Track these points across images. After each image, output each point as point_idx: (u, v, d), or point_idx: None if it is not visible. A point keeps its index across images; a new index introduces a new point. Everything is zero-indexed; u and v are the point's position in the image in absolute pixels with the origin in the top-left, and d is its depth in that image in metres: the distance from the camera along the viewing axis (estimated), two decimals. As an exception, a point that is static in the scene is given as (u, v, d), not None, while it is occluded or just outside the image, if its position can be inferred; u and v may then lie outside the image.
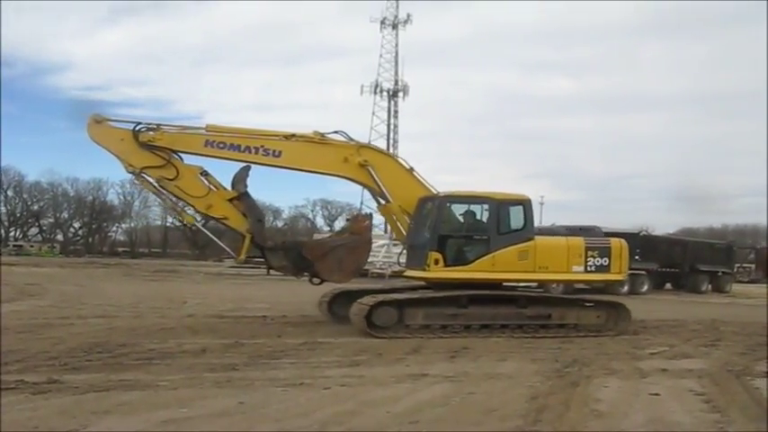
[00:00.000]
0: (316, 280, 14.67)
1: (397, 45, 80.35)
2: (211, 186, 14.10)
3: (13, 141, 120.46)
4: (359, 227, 15.23)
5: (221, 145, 14.07)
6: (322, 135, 14.61)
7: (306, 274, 14.64)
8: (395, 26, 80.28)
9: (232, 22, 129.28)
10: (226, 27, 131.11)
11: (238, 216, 14.06)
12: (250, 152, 14.17)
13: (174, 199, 14.14)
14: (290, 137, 14.45)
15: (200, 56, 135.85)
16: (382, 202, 15.12)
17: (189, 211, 14.64)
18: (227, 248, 14.94)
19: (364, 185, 15.56)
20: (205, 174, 14.13)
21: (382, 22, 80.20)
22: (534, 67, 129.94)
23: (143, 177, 13.87)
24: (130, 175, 14.00)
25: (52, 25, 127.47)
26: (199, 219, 14.58)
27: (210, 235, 15.62)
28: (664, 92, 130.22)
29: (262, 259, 14.60)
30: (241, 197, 14.06)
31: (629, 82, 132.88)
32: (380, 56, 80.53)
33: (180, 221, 14.00)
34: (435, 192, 14.80)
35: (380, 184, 14.71)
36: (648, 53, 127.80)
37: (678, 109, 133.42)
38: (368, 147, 15.70)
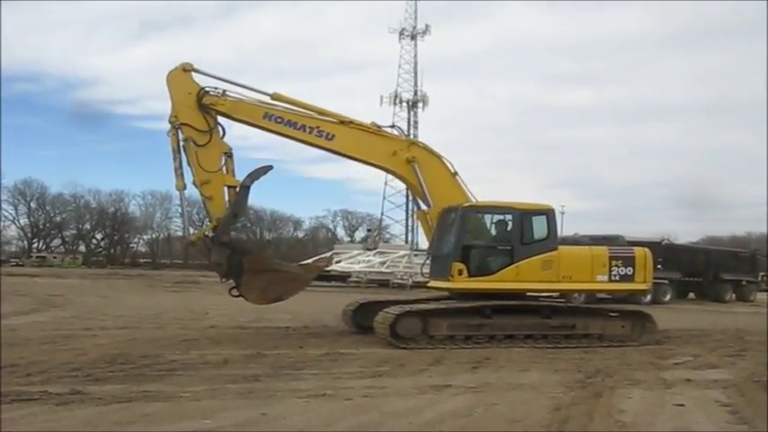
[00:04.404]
0: (235, 291, 14.15)
1: (416, 56, 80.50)
2: (224, 168, 14.03)
3: (41, 154, 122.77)
4: (315, 266, 15.73)
5: (279, 119, 14.34)
6: (378, 126, 14.93)
7: (231, 281, 14.12)
8: (413, 37, 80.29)
9: (255, 38, 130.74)
10: (249, 43, 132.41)
11: (222, 203, 13.86)
12: (305, 131, 14.43)
13: (183, 160, 13.99)
14: (347, 122, 14.72)
15: (225, 70, 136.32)
16: (422, 206, 15.17)
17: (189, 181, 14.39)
18: (189, 228, 14.78)
19: (407, 183, 15.65)
20: (229, 155, 14.13)
21: (401, 33, 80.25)
22: (554, 79, 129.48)
23: (176, 130, 13.84)
24: (169, 124, 13.93)
25: (82, 42, 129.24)
26: (185, 188, 14.30)
27: (183, 209, 15.38)
28: (681, 101, 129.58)
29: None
30: (240, 189, 13.91)
31: (647, 92, 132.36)
32: (399, 66, 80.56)
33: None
34: (474, 199, 14.80)
35: (423, 183, 14.79)
36: (666, 64, 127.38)
37: (695, 118, 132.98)
38: (419, 144, 15.80)
